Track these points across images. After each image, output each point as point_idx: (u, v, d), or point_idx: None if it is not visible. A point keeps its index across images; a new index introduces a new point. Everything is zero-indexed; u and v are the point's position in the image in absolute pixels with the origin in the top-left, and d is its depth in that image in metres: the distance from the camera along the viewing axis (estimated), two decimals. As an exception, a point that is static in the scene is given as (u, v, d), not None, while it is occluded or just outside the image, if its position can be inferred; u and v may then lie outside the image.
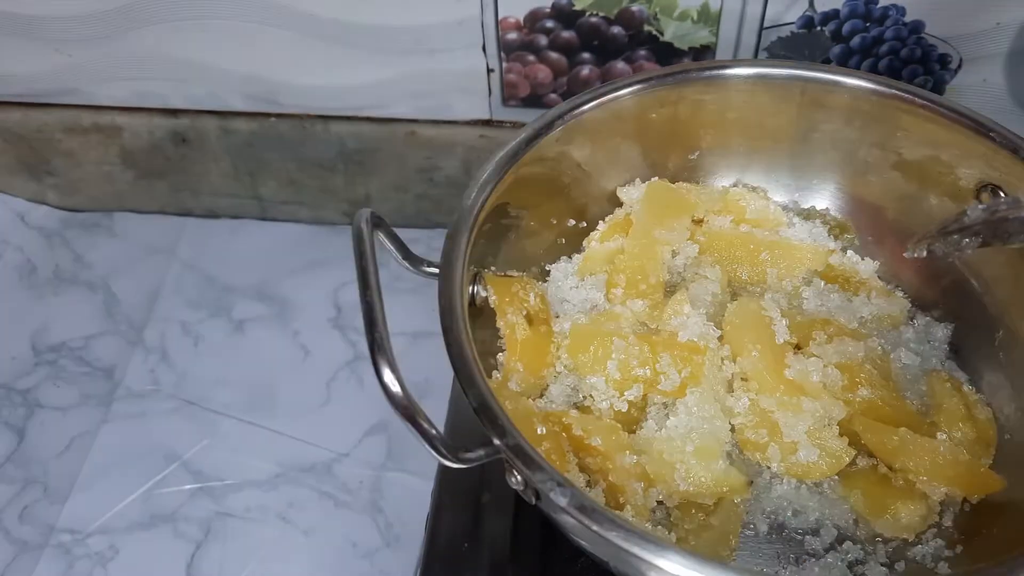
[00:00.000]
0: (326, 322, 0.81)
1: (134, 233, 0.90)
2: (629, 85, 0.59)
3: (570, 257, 0.63)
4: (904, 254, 0.50)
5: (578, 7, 0.68)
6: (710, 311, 0.58)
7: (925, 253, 0.49)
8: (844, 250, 0.63)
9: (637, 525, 0.42)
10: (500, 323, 0.56)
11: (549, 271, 0.62)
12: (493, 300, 0.55)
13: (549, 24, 0.70)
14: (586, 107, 0.58)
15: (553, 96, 0.75)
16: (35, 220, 0.91)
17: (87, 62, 0.78)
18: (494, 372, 0.55)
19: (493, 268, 0.57)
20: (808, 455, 0.52)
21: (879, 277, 0.62)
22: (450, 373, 0.46)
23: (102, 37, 0.75)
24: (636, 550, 0.39)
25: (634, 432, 0.54)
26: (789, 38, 0.68)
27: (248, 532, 0.68)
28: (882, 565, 0.50)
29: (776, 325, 0.55)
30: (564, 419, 0.52)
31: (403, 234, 0.53)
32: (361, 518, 0.69)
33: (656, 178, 0.63)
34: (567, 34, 0.70)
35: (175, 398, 0.76)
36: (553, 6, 0.69)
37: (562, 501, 0.41)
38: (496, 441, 0.43)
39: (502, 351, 0.56)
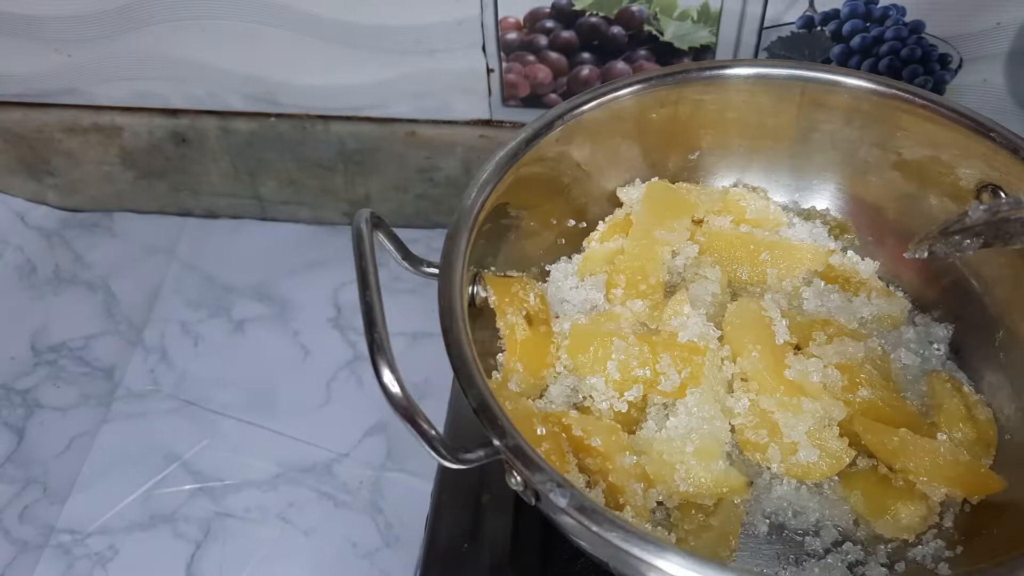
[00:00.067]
0: (326, 322, 0.81)
1: (134, 233, 0.90)
2: (629, 85, 0.59)
3: (570, 257, 0.63)
4: (905, 255, 0.50)
5: (578, 7, 0.68)
6: (710, 311, 0.58)
7: (926, 254, 0.49)
8: (844, 250, 0.63)
9: (637, 526, 0.42)
10: (500, 323, 0.56)
11: (549, 271, 0.62)
12: (493, 300, 0.55)
13: (549, 24, 0.70)
14: (586, 107, 0.58)
15: (553, 96, 0.75)
16: (35, 220, 0.91)
17: (87, 62, 0.78)
18: (494, 372, 0.55)
19: (493, 268, 0.57)
20: (808, 456, 0.52)
21: (879, 277, 0.62)
22: (450, 373, 0.46)
23: (102, 37, 0.75)
24: (636, 551, 0.39)
25: (634, 433, 0.54)
26: (789, 38, 0.68)
27: (248, 532, 0.68)
28: (882, 566, 0.50)
29: (776, 325, 0.55)
30: (564, 420, 0.52)
31: (403, 234, 0.53)
32: (361, 518, 0.69)
33: (656, 178, 0.63)
34: (567, 34, 0.70)
35: (175, 398, 0.76)
36: (553, 6, 0.69)
37: (562, 502, 0.41)
38: (496, 442, 0.43)
39: (502, 351, 0.56)
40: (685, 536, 0.50)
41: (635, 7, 0.68)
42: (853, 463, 0.53)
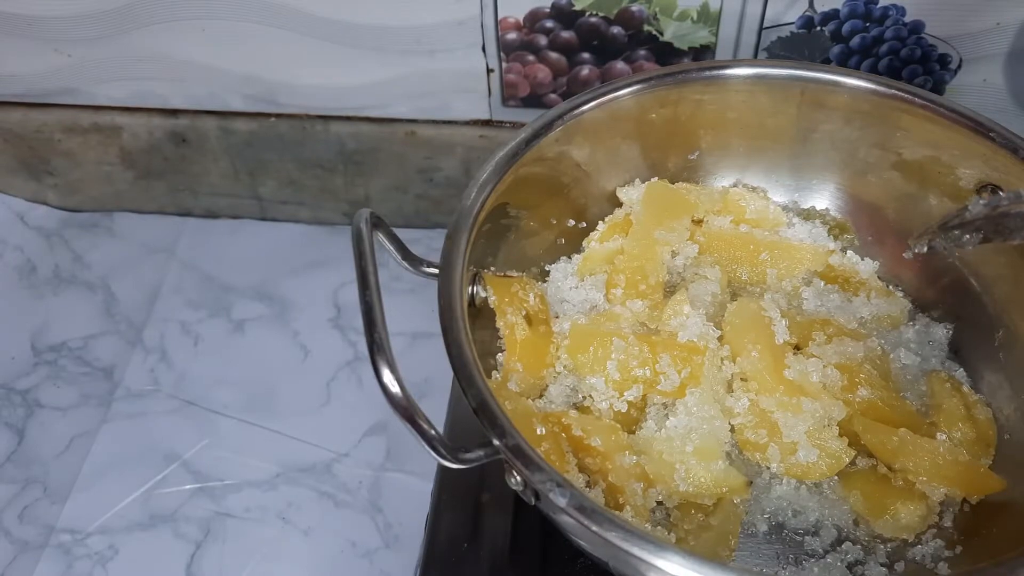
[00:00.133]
0: (326, 322, 0.81)
1: (133, 233, 0.90)
2: (629, 85, 0.59)
3: (570, 257, 0.63)
4: (904, 252, 0.50)
5: (578, 7, 0.68)
6: (710, 311, 0.58)
7: (926, 248, 0.49)
8: (844, 250, 0.63)
9: (636, 525, 0.42)
10: (500, 323, 0.56)
11: (549, 271, 0.62)
12: (493, 300, 0.55)
13: (549, 24, 0.70)
14: (586, 107, 0.58)
15: (553, 96, 0.75)
16: (35, 220, 0.91)
17: (87, 62, 0.78)
18: (494, 372, 0.55)
19: (493, 268, 0.57)
20: (808, 455, 0.52)
21: (879, 277, 0.62)
22: (450, 373, 0.46)
23: (102, 37, 0.75)
24: (635, 550, 0.39)
25: (634, 432, 0.54)
26: (789, 38, 0.68)
27: (248, 532, 0.68)
28: (882, 565, 0.50)
29: (776, 325, 0.55)
30: (563, 419, 0.52)
31: (403, 234, 0.53)
32: (360, 518, 0.69)
33: (656, 178, 0.63)
34: (567, 34, 0.70)
35: (175, 398, 0.76)
36: (553, 6, 0.69)
37: (561, 501, 0.41)
38: (495, 442, 0.43)
39: (502, 351, 0.56)
40: (685, 536, 0.50)
41: (635, 7, 0.68)
42: (853, 463, 0.53)
